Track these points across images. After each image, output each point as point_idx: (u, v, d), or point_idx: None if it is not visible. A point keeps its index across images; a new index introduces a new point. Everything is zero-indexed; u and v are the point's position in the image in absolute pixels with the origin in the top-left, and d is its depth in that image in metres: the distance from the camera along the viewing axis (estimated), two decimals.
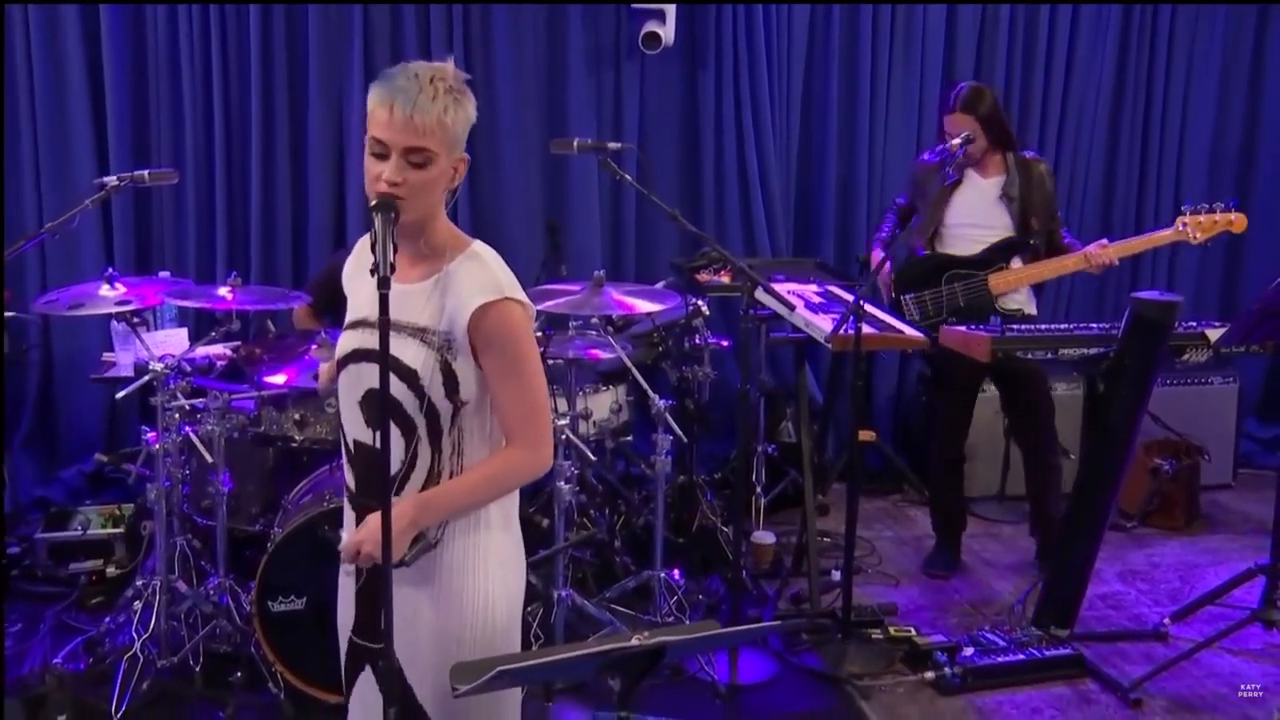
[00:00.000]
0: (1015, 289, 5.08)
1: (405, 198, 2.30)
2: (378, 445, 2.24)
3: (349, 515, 2.55)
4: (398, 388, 2.35)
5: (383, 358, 2.21)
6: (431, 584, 2.42)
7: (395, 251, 2.18)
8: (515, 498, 2.55)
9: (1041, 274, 5.09)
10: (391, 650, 2.26)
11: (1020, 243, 5.04)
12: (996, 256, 5.05)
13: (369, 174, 2.33)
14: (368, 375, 2.36)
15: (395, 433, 2.38)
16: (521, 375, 2.38)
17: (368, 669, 2.54)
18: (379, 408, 2.28)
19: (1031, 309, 5.17)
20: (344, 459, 2.53)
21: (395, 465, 2.40)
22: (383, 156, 2.32)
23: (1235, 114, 6.91)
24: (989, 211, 5.05)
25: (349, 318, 2.53)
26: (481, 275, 2.36)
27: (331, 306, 4.93)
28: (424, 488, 2.41)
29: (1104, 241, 5.00)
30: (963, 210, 5.08)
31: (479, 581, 2.43)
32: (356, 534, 2.37)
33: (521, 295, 2.38)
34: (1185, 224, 4.95)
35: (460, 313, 2.33)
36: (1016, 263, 5.08)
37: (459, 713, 2.43)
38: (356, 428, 2.47)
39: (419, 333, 2.37)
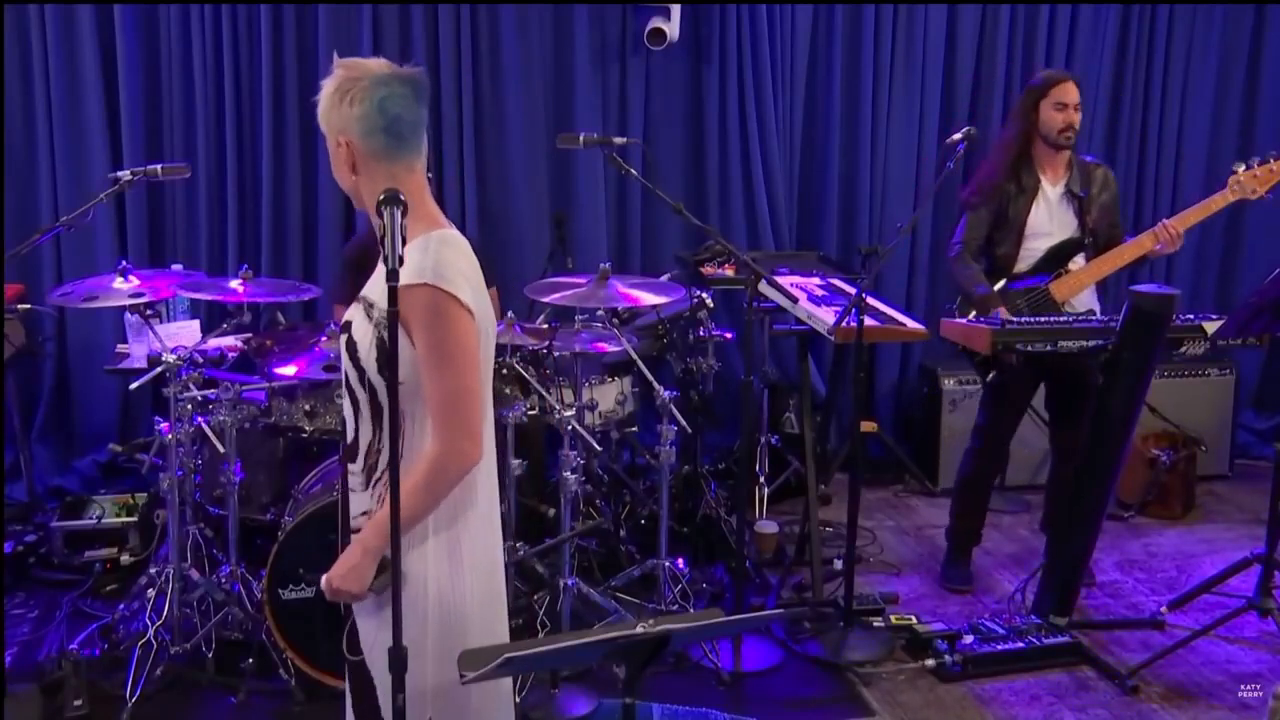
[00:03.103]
0: (1080, 291, 4.92)
1: None
2: (348, 422, 2.52)
3: None
4: (345, 360, 2.48)
5: (390, 349, 2.30)
6: (384, 600, 2.42)
7: (404, 244, 2.25)
8: (467, 493, 2.50)
9: (1102, 270, 4.90)
10: (400, 639, 2.31)
11: (1073, 243, 4.91)
12: (1051, 264, 4.91)
13: None
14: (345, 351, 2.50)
15: (347, 404, 2.51)
16: (439, 363, 2.37)
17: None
18: (346, 386, 2.50)
19: (1096, 306, 5.00)
20: None
21: (350, 435, 2.52)
22: None
23: (1232, 112, 6.91)
24: (1056, 216, 4.91)
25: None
26: (415, 259, 2.38)
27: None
28: (366, 461, 2.48)
29: (1164, 221, 4.85)
30: (1035, 221, 4.92)
31: (415, 588, 2.44)
32: (327, 574, 2.44)
33: (448, 285, 2.36)
34: (1240, 181, 4.79)
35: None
36: (1079, 262, 4.93)
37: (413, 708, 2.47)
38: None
39: (369, 308, 2.44)
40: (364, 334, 2.43)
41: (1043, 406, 5.36)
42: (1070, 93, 4.84)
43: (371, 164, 2.44)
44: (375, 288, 2.44)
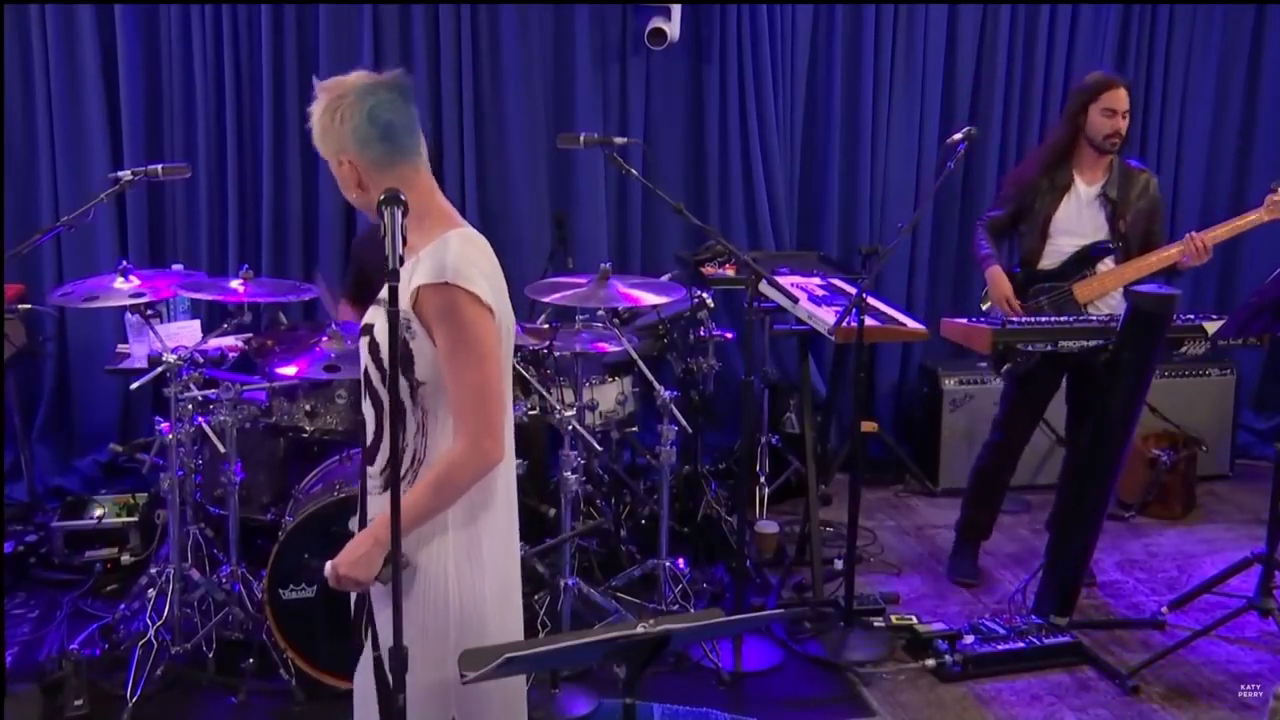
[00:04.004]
0: (1103, 295, 4.93)
1: None
2: (369, 424, 2.51)
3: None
4: (369, 360, 2.48)
5: (392, 349, 2.32)
6: (404, 598, 2.42)
7: (404, 244, 2.26)
8: (486, 490, 2.52)
9: (1127, 275, 4.88)
10: (400, 640, 2.30)
11: (1102, 247, 4.91)
12: (1078, 265, 4.92)
13: None
14: (364, 350, 2.50)
15: (368, 405, 2.51)
16: (461, 361, 2.38)
17: (363, 658, 2.62)
18: (368, 387, 2.50)
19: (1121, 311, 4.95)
20: None
21: (371, 437, 2.52)
22: None
23: (1232, 113, 6.90)
24: (1085, 217, 4.91)
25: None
26: (435, 260, 2.39)
27: (364, 295, 5.06)
28: (388, 463, 2.45)
29: (1192, 234, 4.83)
30: (1062, 219, 4.93)
31: (437, 584, 2.46)
32: (334, 561, 2.45)
33: (467, 283, 2.37)
34: (1278, 202, 4.76)
35: (409, 292, 2.38)
36: (1108, 264, 4.93)
37: (428, 703, 2.49)
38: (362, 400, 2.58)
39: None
40: (387, 335, 2.42)
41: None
42: (1121, 100, 4.84)
43: (376, 174, 2.44)
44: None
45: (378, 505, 2.51)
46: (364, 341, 2.51)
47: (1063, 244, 4.95)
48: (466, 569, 2.48)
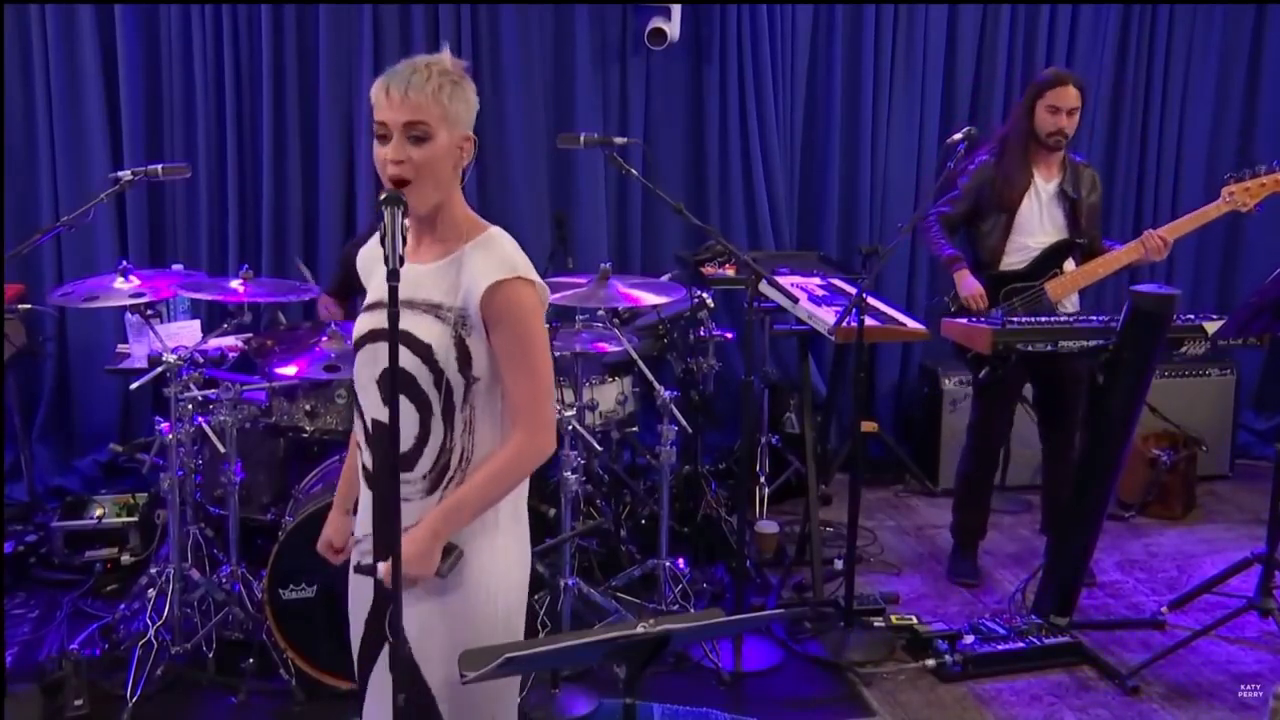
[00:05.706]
0: (1073, 292, 4.97)
1: (411, 179, 2.41)
2: (404, 430, 2.40)
3: (365, 497, 2.57)
4: (412, 362, 2.40)
5: (391, 349, 2.27)
6: (446, 587, 2.44)
7: (405, 245, 2.25)
8: (524, 490, 2.55)
9: (1097, 272, 4.93)
10: (401, 637, 2.30)
11: (1068, 244, 4.94)
12: (1047, 264, 4.94)
13: (377, 160, 2.45)
14: (384, 354, 2.35)
15: (409, 408, 2.43)
16: (527, 356, 2.40)
17: (384, 655, 2.56)
18: (411, 390, 2.42)
19: (1079, 306, 5.08)
20: (362, 440, 2.55)
21: (409, 442, 2.45)
22: (386, 139, 2.44)
23: (1233, 113, 6.91)
24: (1048, 215, 4.94)
25: (368, 299, 2.59)
26: (498, 254, 2.42)
27: (349, 294, 5.04)
28: (435, 464, 2.44)
29: (1150, 231, 4.88)
30: (1026, 218, 4.94)
31: (485, 578, 2.46)
32: (386, 562, 2.39)
33: (535, 277, 2.42)
34: (1233, 193, 4.79)
35: (475, 289, 2.38)
36: (1070, 265, 4.97)
37: (465, 699, 2.47)
38: (374, 407, 2.49)
39: (433, 309, 2.42)
40: (438, 335, 2.40)
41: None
42: (1066, 97, 4.85)
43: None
44: (440, 287, 2.43)
45: (414, 512, 2.44)
46: (405, 347, 2.41)
47: (1027, 243, 4.97)
48: (516, 566, 2.51)
